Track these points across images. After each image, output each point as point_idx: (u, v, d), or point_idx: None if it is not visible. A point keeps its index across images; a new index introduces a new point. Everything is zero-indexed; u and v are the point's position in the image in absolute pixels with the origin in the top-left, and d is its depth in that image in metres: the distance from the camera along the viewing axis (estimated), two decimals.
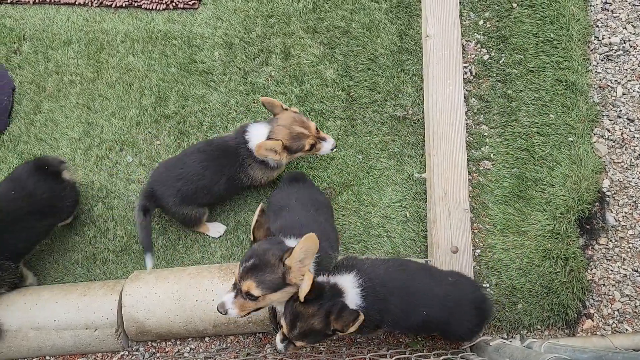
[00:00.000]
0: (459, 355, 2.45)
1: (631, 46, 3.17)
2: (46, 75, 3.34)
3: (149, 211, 2.75)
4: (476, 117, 3.11)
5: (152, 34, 3.38)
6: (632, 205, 2.92)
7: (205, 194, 2.78)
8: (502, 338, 2.59)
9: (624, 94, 3.11)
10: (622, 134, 3.04)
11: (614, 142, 3.03)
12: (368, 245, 2.95)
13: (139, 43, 3.37)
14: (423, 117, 3.12)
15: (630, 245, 2.88)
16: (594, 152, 3.01)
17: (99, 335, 2.71)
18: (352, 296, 2.22)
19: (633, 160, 3.00)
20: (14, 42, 3.40)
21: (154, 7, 3.41)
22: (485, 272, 2.83)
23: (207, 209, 2.92)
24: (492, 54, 3.20)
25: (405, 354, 2.43)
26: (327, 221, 2.65)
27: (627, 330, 2.75)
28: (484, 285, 2.79)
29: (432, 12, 3.19)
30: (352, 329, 2.05)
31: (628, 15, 3.24)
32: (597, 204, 2.94)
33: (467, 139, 3.05)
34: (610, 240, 2.89)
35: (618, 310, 2.79)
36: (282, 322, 2.18)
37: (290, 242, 2.21)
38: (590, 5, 3.27)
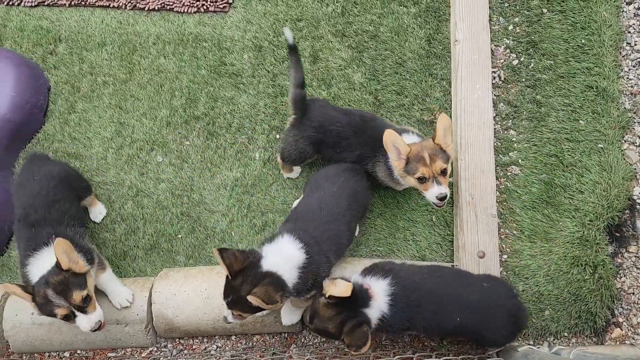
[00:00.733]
0: None
1: None
2: (80, 76, 3.42)
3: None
4: (504, 122, 3.10)
5: (183, 36, 3.44)
6: None
7: (336, 151, 2.76)
8: (529, 344, 2.58)
9: None
10: None
11: None
12: (393, 249, 2.96)
13: (170, 45, 3.43)
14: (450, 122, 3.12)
15: None
16: (624, 159, 2.97)
17: (129, 331, 2.77)
18: (380, 304, 2.26)
19: None
20: (50, 44, 3.50)
21: (185, 10, 3.47)
22: (512, 278, 2.82)
23: (301, 169, 3.11)
24: (522, 59, 3.19)
25: (431, 358, 2.44)
26: (349, 223, 2.58)
27: None
28: None
29: (462, 17, 3.19)
30: (354, 353, 2.12)
31: None
32: (627, 211, 2.90)
33: (495, 144, 3.04)
34: None
35: None
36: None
37: (283, 241, 2.30)
38: (622, 11, 3.23)
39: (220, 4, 3.46)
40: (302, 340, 2.87)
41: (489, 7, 3.26)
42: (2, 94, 3.16)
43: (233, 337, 2.89)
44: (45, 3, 3.56)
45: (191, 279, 2.80)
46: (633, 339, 2.73)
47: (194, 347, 2.89)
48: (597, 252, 2.80)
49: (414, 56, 3.25)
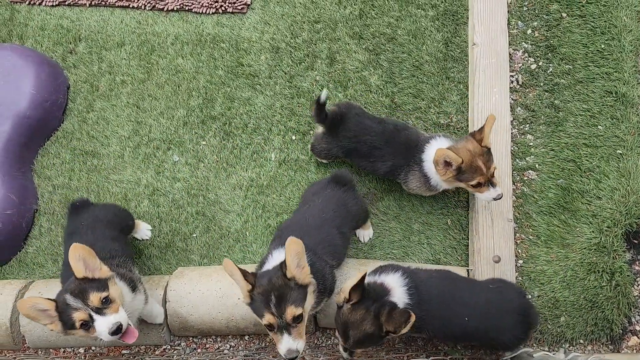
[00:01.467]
0: None
1: None
2: (99, 75, 3.46)
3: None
4: (522, 127, 3.08)
5: (201, 37, 3.47)
6: None
7: (369, 160, 2.81)
8: (545, 351, 2.56)
9: None
10: None
11: None
12: (408, 252, 2.96)
13: (189, 46, 3.46)
14: (467, 125, 3.11)
15: None
16: None
17: (144, 329, 2.79)
18: (400, 294, 2.22)
19: None
20: (70, 43, 3.54)
21: (203, 11, 3.50)
22: (528, 284, 2.80)
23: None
24: (540, 64, 3.17)
25: None
26: (339, 227, 2.54)
27: None
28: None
29: (480, 20, 3.18)
30: (404, 330, 2.03)
31: None
32: None
33: (512, 148, 3.03)
34: None
35: None
36: (337, 334, 2.19)
37: (274, 260, 2.25)
38: None
39: (239, 5, 3.48)
40: (315, 342, 2.87)
41: (508, 11, 3.25)
42: (22, 91, 3.21)
43: (246, 337, 2.90)
44: (66, 3, 3.61)
45: (206, 277, 2.81)
46: None
47: (207, 346, 2.90)
48: (615, 259, 2.77)
49: (431, 59, 3.25)
